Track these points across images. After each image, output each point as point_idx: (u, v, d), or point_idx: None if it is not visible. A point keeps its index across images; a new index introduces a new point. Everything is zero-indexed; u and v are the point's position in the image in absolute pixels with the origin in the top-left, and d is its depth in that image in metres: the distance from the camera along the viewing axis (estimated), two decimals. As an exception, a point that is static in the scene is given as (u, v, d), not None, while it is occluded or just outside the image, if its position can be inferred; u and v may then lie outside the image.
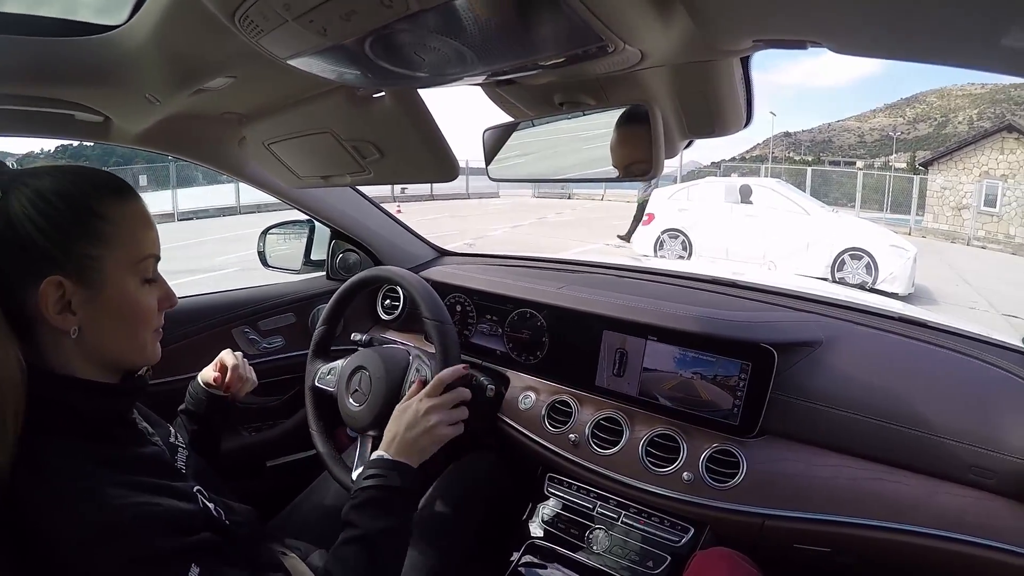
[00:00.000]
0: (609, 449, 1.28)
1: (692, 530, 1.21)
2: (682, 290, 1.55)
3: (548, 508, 1.35)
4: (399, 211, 15.53)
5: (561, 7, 0.50)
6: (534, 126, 0.89)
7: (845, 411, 1.16)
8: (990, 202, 20.24)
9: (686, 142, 0.93)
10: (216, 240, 11.43)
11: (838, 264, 8.68)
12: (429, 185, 20.76)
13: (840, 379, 1.21)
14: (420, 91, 0.87)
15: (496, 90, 0.88)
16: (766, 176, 15.23)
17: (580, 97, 0.83)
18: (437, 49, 0.59)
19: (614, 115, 0.79)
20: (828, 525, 1.10)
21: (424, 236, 2.02)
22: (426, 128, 0.91)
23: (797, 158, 69.52)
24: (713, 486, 1.17)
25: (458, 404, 1.08)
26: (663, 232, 9.97)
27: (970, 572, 1.06)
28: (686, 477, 1.19)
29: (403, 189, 19.94)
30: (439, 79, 0.71)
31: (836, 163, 63.44)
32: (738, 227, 9.48)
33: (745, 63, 0.74)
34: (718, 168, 30.33)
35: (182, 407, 1.15)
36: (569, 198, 23.49)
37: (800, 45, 0.58)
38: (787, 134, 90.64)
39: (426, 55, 0.61)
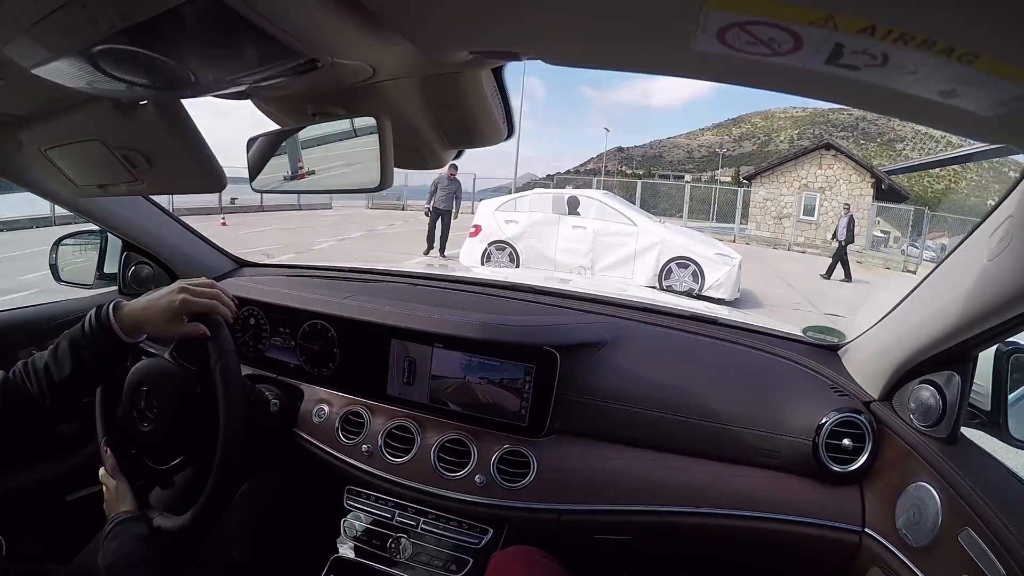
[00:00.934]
0: (402, 457, 1.29)
1: (491, 531, 1.25)
2: (475, 297, 1.56)
3: (350, 521, 1.36)
4: (224, 224, 14.11)
5: (248, 29, 0.51)
6: (299, 136, 0.85)
7: (632, 407, 1.23)
8: (809, 211, 23.27)
9: (453, 152, 0.93)
10: (24, 255, 10.08)
11: (665, 272, 8.87)
12: (259, 196, 20.27)
13: (626, 376, 1.27)
14: (186, 100, 0.85)
15: (253, 100, 0.88)
16: (598, 188, 15.31)
17: (329, 107, 0.81)
18: (159, 63, 0.60)
19: (361, 124, 0.77)
20: (624, 515, 1.17)
21: (223, 247, 1.96)
22: (189, 138, 0.88)
23: (629, 172, 74.67)
24: (506, 487, 1.20)
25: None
26: (490, 244, 9.69)
27: (764, 544, 1.17)
28: (478, 480, 1.22)
29: (232, 200, 18.87)
30: (178, 92, 0.73)
31: (666, 176, 71.59)
32: (565, 238, 9.43)
33: (498, 74, 0.74)
34: (551, 180, 30.79)
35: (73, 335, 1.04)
36: (403, 209, 23.34)
37: (514, 56, 0.62)
38: (620, 149, 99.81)
39: (153, 68, 0.62)
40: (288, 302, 1.53)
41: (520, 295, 1.58)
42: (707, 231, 13.00)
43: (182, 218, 1.83)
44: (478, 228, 9.79)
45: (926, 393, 1.07)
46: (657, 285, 8.68)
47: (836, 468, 1.15)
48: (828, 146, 25.40)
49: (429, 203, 10.94)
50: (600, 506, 1.18)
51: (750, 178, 27.02)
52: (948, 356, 1.03)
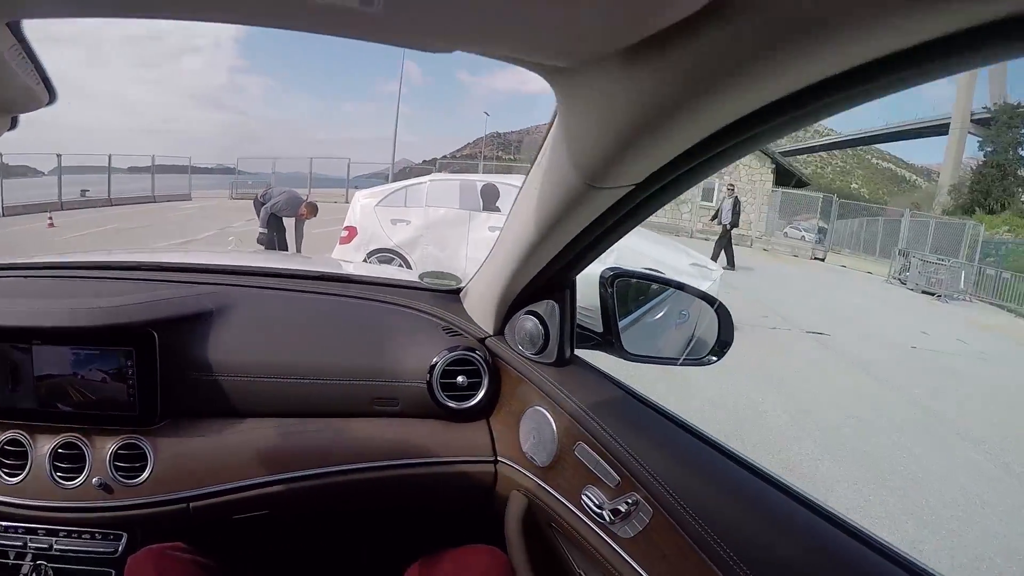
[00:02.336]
0: (19, 475, 1.14)
1: (124, 535, 1.16)
2: (71, 283, 1.37)
3: None
4: (51, 224, 12.25)
5: None
6: None
7: (248, 376, 1.18)
8: (707, 196, 22.72)
9: (6, 122, 0.74)
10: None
11: None
12: (107, 189, 18.12)
13: (239, 345, 1.21)
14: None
15: None
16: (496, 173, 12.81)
17: None
18: None
19: None
20: (254, 488, 1.12)
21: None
22: None
23: (507, 157, 72.46)
24: (126, 484, 1.12)
25: None
26: (371, 254, 7.02)
27: (405, 489, 1.20)
28: (96, 483, 1.12)
29: (83, 192, 17.25)
30: None
31: None
32: (480, 245, 6.71)
33: (16, 31, 0.59)
34: (433, 166, 28.06)
35: None
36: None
37: None
38: (497, 135, 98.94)
39: None
40: None
41: (124, 275, 1.41)
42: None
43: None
44: (352, 231, 7.15)
45: (529, 323, 1.13)
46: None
47: (452, 405, 1.20)
48: (727, 130, 25.02)
49: (261, 211, 8.40)
50: (228, 484, 1.12)
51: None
52: (544, 287, 1.09)
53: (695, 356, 1.16)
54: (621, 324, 1.14)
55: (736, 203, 13.31)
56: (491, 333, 1.27)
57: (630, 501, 0.89)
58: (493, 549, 1.12)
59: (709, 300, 1.17)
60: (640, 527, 0.88)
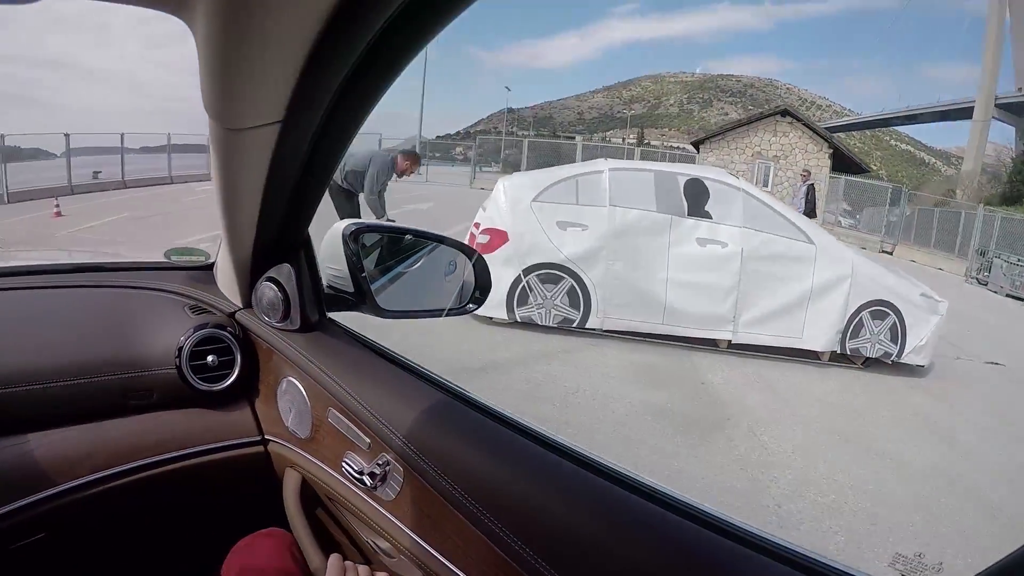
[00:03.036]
0: None
1: None
2: None
3: None
4: (58, 214, 10.85)
5: None
6: None
7: None
8: (763, 181, 21.59)
9: None
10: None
11: (853, 328, 5.32)
12: (120, 171, 16.84)
13: None
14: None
15: None
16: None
17: None
18: None
19: None
20: (21, 512, 1.02)
21: None
22: None
23: (520, 132, 71.34)
24: None
25: None
26: (529, 271, 5.18)
27: (178, 485, 1.12)
28: None
29: (96, 174, 16.07)
30: None
31: (557, 137, 69.84)
32: (685, 263, 5.29)
33: None
34: (449, 140, 27.94)
35: None
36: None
37: None
38: (511, 110, 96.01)
39: None
40: None
41: None
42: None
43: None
44: (498, 236, 5.12)
45: (270, 291, 1.07)
46: (839, 348, 5.36)
47: (206, 388, 1.13)
48: (784, 112, 23.80)
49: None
50: None
51: (698, 143, 24.91)
52: (276, 250, 1.03)
53: (458, 305, 1.12)
54: (380, 281, 1.09)
55: (811, 190, 11.70)
56: (240, 306, 1.20)
57: (381, 463, 0.88)
58: (276, 530, 1.08)
59: (467, 252, 1.14)
60: (397, 488, 0.87)
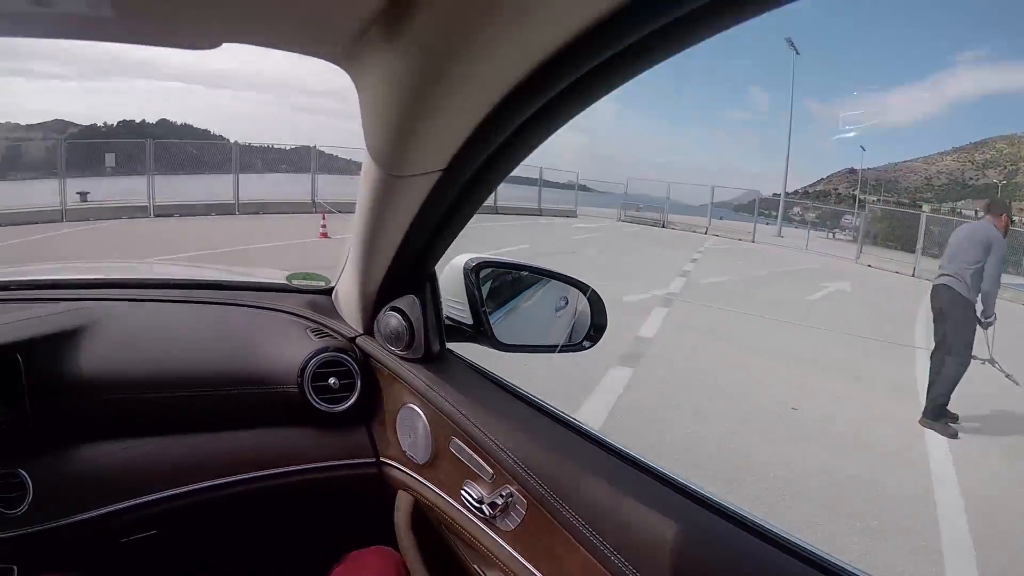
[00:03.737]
0: None
1: (14, 567, 1.12)
2: None
3: None
4: (324, 235, 11.10)
5: None
6: None
7: (119, 394, 1.14)
8: None
9: None
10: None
11: None
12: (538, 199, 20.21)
13: (104, 363, 1.16)
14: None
15: None
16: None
17: None
18: None
19: None
20: (136, 510, 1.10)
21: None
22: None
23: (861, 196, 63.57)
24: (6, 516, 1.08)
25: None
26: None
27: (290, 498, 1.19)
28: None
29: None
30: None
31: (903, 204, 58.77)
32: None
33: None
34: (791, 200, 25.17)
35: None
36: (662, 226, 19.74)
37: None
38: (852, 171, 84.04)
39: None
40: None
41: None
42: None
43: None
44: None
45: (394, 320, 1.11)
46: None
47: (327, 408, 1.18)
48: None
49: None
50: (112, 507, 1.10)
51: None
52: (402, 281, 1.08)
53: (572, 343, 1.15)
54: (496, 315, 1.13)
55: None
56: (361, 332, 1.25)
57: (505, 493, 0.90)
58: (385, 549, 1.14)
59: (581, 287, 1.15)
60: (519, 519, 0.89)
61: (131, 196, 15.25)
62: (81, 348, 1.16)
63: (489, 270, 1.15)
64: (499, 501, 0.90)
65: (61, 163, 14.40)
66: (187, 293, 1.38)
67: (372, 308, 1.17)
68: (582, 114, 0.63)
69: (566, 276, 1.17)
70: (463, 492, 0.97)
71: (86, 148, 16.58)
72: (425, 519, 1.16)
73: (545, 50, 0.50)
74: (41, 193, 14.17)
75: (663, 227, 19.82)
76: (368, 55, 0.58)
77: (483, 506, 0.92)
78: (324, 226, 11.52)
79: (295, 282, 1.43)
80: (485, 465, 0.94)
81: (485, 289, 1.13)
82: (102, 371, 1.15)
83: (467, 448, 0.98)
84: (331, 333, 1.25)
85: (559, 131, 0.67)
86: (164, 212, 14.83)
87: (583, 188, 25.14)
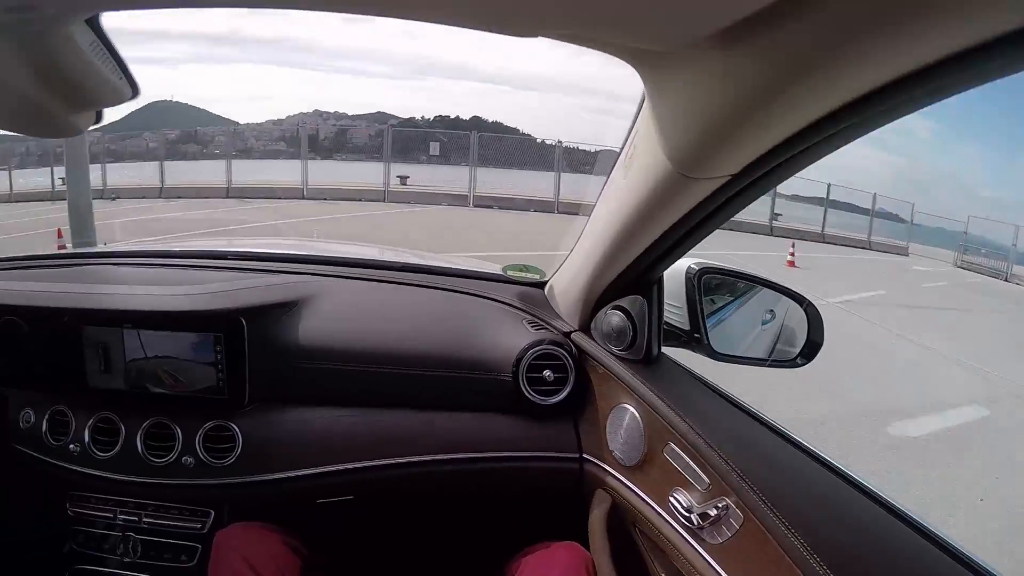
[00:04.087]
0: (110, 451, 1.24)
1: (212, 513, 1.24)
2: (162, 271, 1.48)
3: (78, 527, 1.31)
4: (791, 263, 9.96)
5: None
6: None
7: (333, 364, 1.21)
8: None
9: (87, 116, 0.83)
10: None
11: None
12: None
13: (324, 334, 1.24)
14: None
15: None
16: None
17: None
18: None
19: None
20: (340, 475, 1.17)
21: None
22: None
23: None
24: (216, 464, 1.19)
25: None
26: None
27: (488, 483, 1.22)
28: (186, 462, 1.19)
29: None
30: None
31: None
32: None
33: (96, 27, 0.68)
34: None
35: None
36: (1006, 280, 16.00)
37: (33, 8, 0.59)
38: None
39: None
40: None
41: (216, 263, 1.50)
42: None
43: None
44: None
45: (616, 319, 1.11)
46: None
47: (538, 400, 1.20)
48: None
49: None
50: (315, 469, 1.17)
51: None
52: (631, 282, 1.08)
53: (783, 357, 1.12)
54: (709, 322, 1.13)
55: None
56: (576, 328, 1.26)
57: (720, 505, 0.87)
58: (575, 545, 1.12)
59: (798, 299, 1.12)
60: (730, 533, 0.85)
61: (449, 183, 16.55)
62: (300, 318, 1.25)
63: (708, 275, 1.14)
64: (711, 512, 0.87)
65: (387, 147, 16.42)
66: (406, 276, 1.44)
67: (593, 305, 1.18)
68: (894, 131, 0.58)
69: (783, 287, 1.15)
70: (671, 499, 0.94)
71: (408, 136, 18.65)
72: (620, 521, 1.14)
73: (897, 70, 0.48)
74: (364, 173, 16.50)
75: (1006, 280, 16.06)
76: (688, 60, 0.57)
77: (692, 516, 0.90)
78: (792, 254, 10.74)
79: (511, 273, 1.45)
80: (701, 473, 0.91)
81: (703, 295, 1.13)
82: (318, 341, 1.23)
83: (683, 454, 0.95)
84: (547, 326, 1.27)
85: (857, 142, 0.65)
86: (482, 203, 15.59)
87: (893, 217, 20.52)
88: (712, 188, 0.75)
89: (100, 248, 1.86)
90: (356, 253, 1.79)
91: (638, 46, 0.57)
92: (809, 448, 0.91)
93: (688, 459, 0.94)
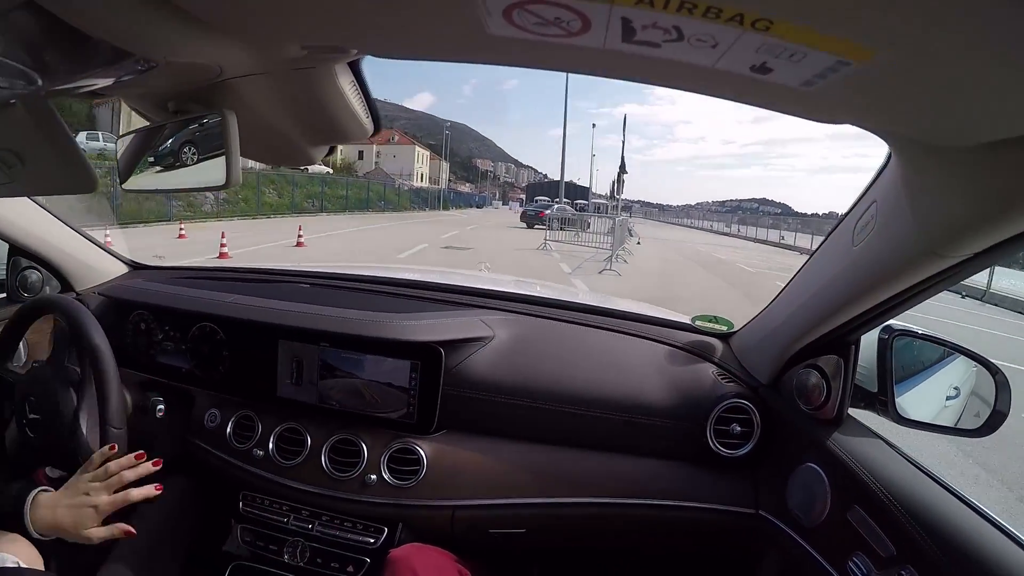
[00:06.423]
0: (293, 460, 1.29)
1: (386, 530, 1.25)
2: (365, 296, 1.55)
3: (246, 526, 1.34)
4: None
5: (72, 32, 0.51)
6: (167, 132, 0.81)
7: (520, 400, 1.25)
8: None
9: (324, 150, 0.91)
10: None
11: None
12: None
13: (513, 370, 1.28)
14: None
15: (123, 99, 0.86)
16: None
17: (187, 104, 0.78)
18: (8, 65, 0.60)
19: (215, 121, 0.74)
20: (517, 508, 1.20)
21: (114, 250, 1.86)
22: (59, 137, 0.86)
23: None
24: (398, 485, 1.22)
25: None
26: None
27: (660, 531, 1.23)
28: (369, 479, 1.23)
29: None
30: (34, 91, 0.69)
31: None
32: None
33: (356, 69, 0.73)
34: None
35: None
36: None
37: (343, 51, 0.64)
38: None
39: (6, 70, 0.62)
40: (175, 304, 1.48)
41: (410, 291, 1.57)
42: None
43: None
44: None
45: (811, 378, 1.09)
46: None
47: (725, 453, 1.20)
48: None
49: None
50: (492, 500, 1.19)
51: None
52: (829, 341, 1.07)
53: (967, 426, 1.08)
54: (896, 382, 1.09)
55: None
56: (764, 383, 1.24)
57: (903, 575, 0.83)
58: None
59: (991, 368, 1.08)
60: None
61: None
62: (492, 353, 1.29)
63: (902, 338, 1.10)
64: None
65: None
66: (592, 317, 1.45)
67: (786, 362, 1.16)
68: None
69: (976, 353, 1.11)
70: (851, 564, 0.91)
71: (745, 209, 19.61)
72: None
73: None
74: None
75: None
76: (968, 155, 0.54)
77: None
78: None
79: (698, 323, 1.44)
80: (888, 540, 0.87)
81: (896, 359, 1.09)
82: (505, 377, 1.26)
83: (869, 519, 0.91)
84: (736, 379, 1.26)
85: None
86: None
87: None
88: (954, 263, 0.73)
89: (295, 267, 1.98)
90: (541, 292, 1.82)
91: (921, 140, 0.55)
92: (1005, 527, 0.84)
93: (874, 524, 0.90)
